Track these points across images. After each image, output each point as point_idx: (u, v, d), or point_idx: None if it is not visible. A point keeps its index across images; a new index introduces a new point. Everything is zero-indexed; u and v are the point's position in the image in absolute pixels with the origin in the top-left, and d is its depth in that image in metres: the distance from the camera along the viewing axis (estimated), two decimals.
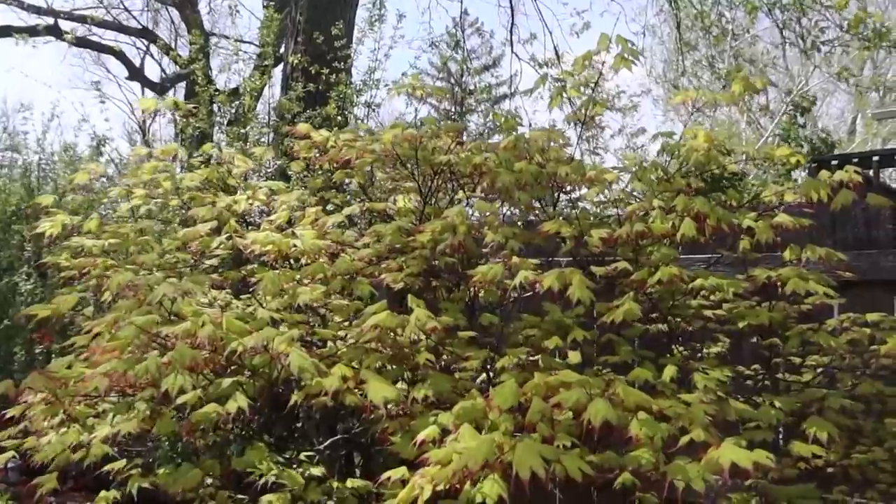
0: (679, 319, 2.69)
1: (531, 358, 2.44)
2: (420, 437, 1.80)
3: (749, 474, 1.64)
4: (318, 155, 3.66)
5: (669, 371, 2.48)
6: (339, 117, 7.73)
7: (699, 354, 2.98)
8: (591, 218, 2.93)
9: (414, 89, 3.64)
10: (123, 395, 2.22)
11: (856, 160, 9.57)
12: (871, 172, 8.63)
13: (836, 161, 8.99)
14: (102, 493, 2.65)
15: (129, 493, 2.51)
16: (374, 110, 9.20)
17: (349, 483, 2.71)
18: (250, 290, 3.87)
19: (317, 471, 2.65)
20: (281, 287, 2.58)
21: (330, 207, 3.61)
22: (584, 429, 1.67)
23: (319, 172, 4.10)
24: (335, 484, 2.68)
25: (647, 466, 1.72)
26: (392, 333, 2.21)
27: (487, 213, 2.85)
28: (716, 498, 2.45)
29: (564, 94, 3.17)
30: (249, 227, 3.69)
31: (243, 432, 2.54)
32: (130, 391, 2.12)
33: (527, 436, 1.64)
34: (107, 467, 2.78)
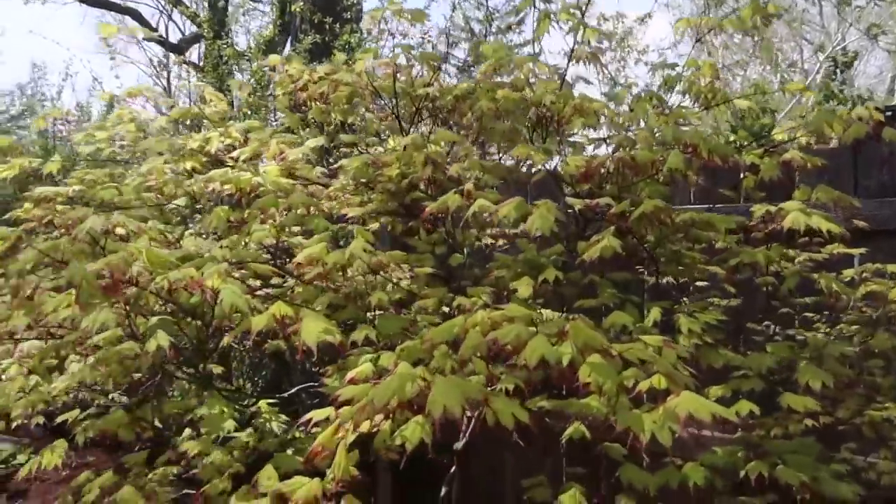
0: (675, 266, 2.44)
1: (499, 305, 2.22)
2: (350, 374, 1.61)
3: (722, 427, 1.42)
4: (293, 90, 3.43)
5: (654, 314, 2.25)
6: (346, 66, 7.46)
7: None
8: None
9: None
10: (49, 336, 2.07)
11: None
12: None
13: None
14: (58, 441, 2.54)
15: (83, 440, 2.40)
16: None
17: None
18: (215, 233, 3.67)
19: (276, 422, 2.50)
20: (230, 223, 2.38)
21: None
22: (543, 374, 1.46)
23: (303, 110, 3.88)
24: (297, 433, 2.53)
25: (596, 415, 1.51)
26: (340, 271, 2.00)
27: (460, 147, 2.60)
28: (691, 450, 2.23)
29: (553, 18, 2.88)
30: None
31: (181, 374, 2.39)
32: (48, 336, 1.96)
33: (459, 376, 1.43)
34: (60, 418, 2.68)
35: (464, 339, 1.49)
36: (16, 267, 1.77)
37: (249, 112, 6.32)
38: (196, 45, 15.96)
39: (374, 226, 2.89)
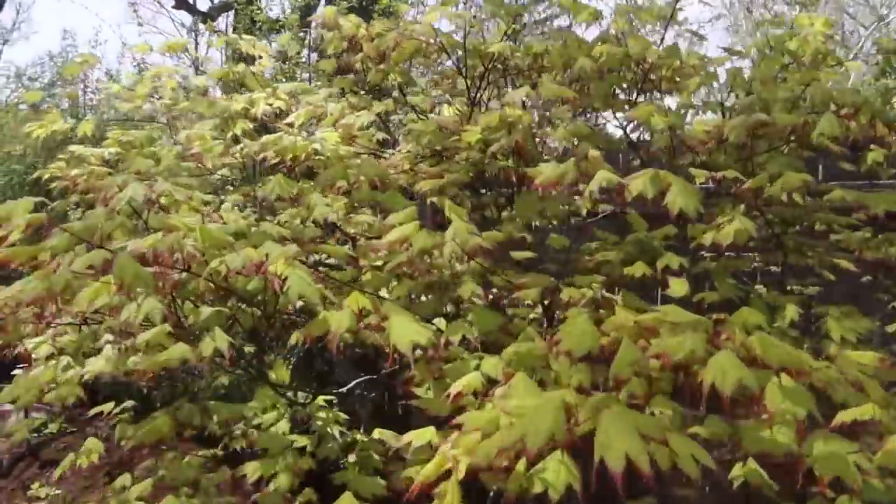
0: (802, 253, 2.06)
1: (605, 293, 1.86)
2: (455, 388, 1.28)
3: None
4: (347, 50, 3.07)
5: (789, 313, 1.89)
6: None
7: None
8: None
9: None
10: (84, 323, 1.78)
11: None
12: None
13: None
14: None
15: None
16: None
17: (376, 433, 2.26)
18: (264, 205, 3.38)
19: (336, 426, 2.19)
20: (293, 195, 2.05)
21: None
22: (697, 393, 1.12)
23: (353, 74, 3.53)
24: (357, 436, 2.23)
25: (781, 452, 1.16)
26: (427, 257, 1.67)
27: (548, 110, 2.24)
28: None
29: None
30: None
31: (238, 374, 2.08)
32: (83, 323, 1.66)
33: (611, 398, 1.09)
34: (93, 410, 2.41)
35: (609, 350, 1.15)
36: (46, 255, 1.46)
37: (288, 76, 5.98)
38: (226, 14, 15.62)
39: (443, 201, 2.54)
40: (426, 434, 1.30)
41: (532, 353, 1.37)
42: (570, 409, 1.04)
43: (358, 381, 2.42)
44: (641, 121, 1.79)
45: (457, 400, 1.29)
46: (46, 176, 3.01)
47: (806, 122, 1.84)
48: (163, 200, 1.94)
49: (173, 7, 17.05)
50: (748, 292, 2.02)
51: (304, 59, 6.60)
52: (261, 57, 3.30)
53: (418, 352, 1.41)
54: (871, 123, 1.78)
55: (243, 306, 1.76)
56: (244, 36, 3.36)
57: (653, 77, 2.37)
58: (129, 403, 2.33)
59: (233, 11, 12.07)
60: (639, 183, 1.49)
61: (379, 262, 1.99)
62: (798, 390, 1.09)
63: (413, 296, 1.82)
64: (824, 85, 1.95)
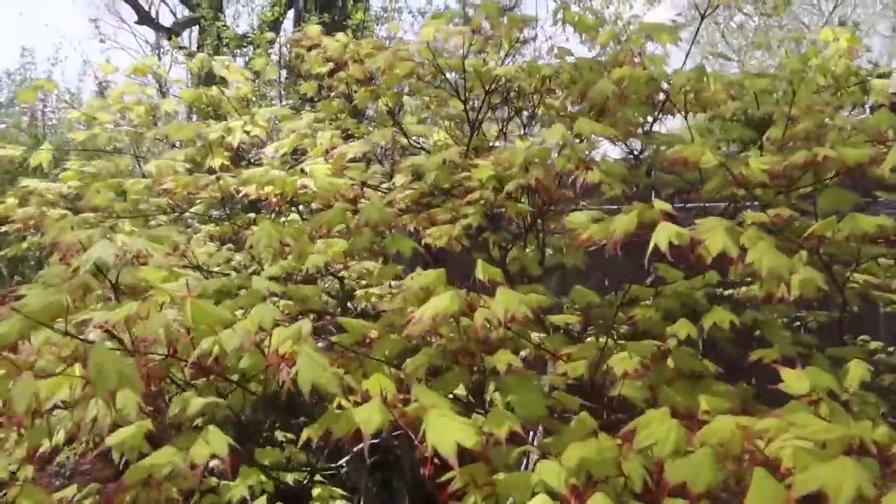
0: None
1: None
2: None
3: None
4: (332, 72, 2.81)
5: (856, 373, 1.67)
6: None
7: None
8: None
9: None
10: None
11: None
12: None
13: None
14: None
15: None
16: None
17: None
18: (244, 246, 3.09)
19: None
20: (281, 243, 1.78)
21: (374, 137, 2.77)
22: None
23: (335, 96, 3.26)
24: None
25: None
26: (453, 320, 1.41)
27: (576, 142, 1.99)
28: None
29: None
30: (248, 166, 2.89)
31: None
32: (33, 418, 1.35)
33: None
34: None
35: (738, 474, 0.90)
36: None
37: (258, 96, 5.67)
38: (190, 29, 15.17)
39: (442, 241, 2.28)
40: None
41: (604, 459, 1.12)
42: None
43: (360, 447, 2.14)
44: (693, 160, 1.56)
45: None
46: None
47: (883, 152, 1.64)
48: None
49: (136, 23, 16.55)
50: (809, 347, 1.80)
51: (275, 79, 6.30)
52: (237, 81, 3.01)
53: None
54: None
55: (233, 387, 1.47)
56: (217, 57, 3.06)
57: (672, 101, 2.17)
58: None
59: (198, 27, 11.68)
60: (717, 241, 1.25)
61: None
62: None
63: (430, 366, 1.55)
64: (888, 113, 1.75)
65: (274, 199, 2.22)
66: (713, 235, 1.26)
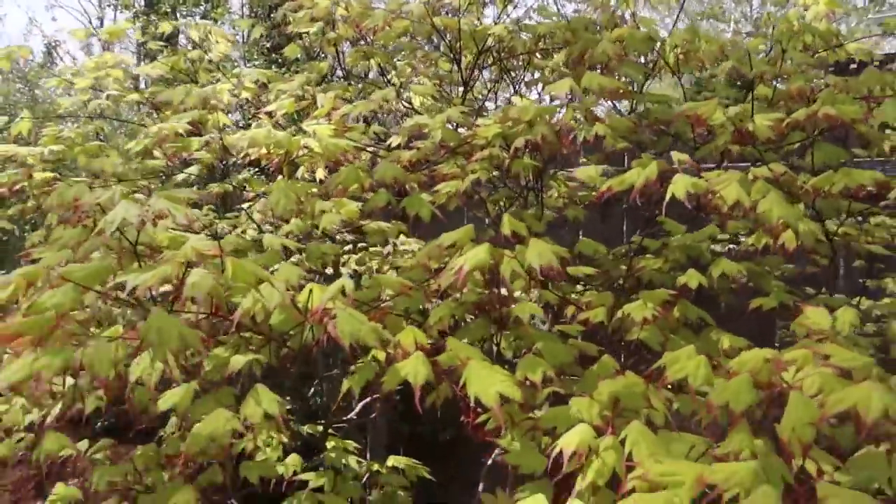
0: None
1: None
2: (567, 447, 1.08)
3: None
4: (322, 30, 2.77)
5: (847, 318, 1.78)
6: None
7: None
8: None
9: None
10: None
11: None
12: None
13: None
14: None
15: None
16: None
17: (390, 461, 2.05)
18: (235, 209, 3.08)
19: None
20: (297, 201, 1.79)
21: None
22: None
23: (323, 57, 3.22)
24: (375, 466, 2.01)
25: None
26: (480, 274, 1.46)
27: (574, 100, 2.03)
28: None
29: None
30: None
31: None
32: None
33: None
34: None
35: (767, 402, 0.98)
36: (44, 304, 1.14)
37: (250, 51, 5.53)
38: None
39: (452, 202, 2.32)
40: (536, 501, 1.10)
41: (632, 393, 1.19)
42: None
43: (366, 401, 2.20)
44: (705, 117, 1.62)
45: (570, 461, 1.09)
46: None
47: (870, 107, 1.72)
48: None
49: None
50: (799, 296, 1.90)
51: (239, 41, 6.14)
52: (218, 42, 2.95)
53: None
54: None
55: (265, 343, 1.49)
56: (198, 21, 2.99)
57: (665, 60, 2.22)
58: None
59: None
60: (732, 191, 1.32)
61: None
62: None
63: (457, 319, 1.60)
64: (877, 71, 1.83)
65: (275, 161, 2.22)
66: (728, 186, 1.33)
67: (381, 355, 1.34)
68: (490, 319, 1.57)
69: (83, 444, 1.90)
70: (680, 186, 1.37)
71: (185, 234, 1.88)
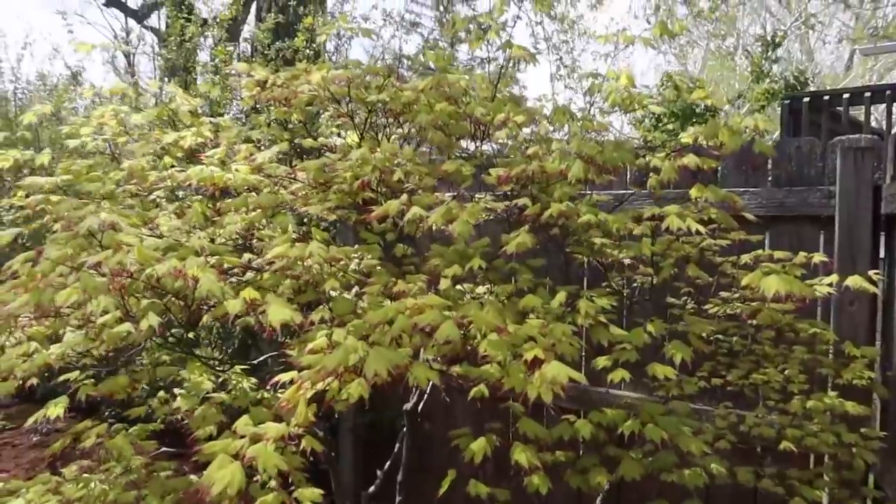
0: (593, 257, 2.94)
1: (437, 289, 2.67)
2: (309, 346, 2.06)
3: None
4: (259, 93, 3.82)
5: (559, 297, 2.74)
6: (308, 50, 7.78)
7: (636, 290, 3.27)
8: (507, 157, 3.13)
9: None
10: (57, 315, 2.48)
11: (826, 98, 9.59)
12: (842, 109, 8.80)
13: (808, 98, 9.07)
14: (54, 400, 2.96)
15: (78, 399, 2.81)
16: (345, 42, 9.22)
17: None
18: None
19: (247, 383, 2.96)
20: (207, 216, 2.80)
21: (272, 145, 3.79)
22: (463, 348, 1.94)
23: (268, 109, 4.26)
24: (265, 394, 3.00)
25: (493, 379, 2.00)
26: (300, 262, 2.44)
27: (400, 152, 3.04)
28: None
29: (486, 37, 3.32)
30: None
31: (168, 347, 2.83)
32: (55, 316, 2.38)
33: (388, 348, 1.91)
34: (63, 377, 3.08)
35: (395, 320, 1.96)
36: (36, 270, 2.20)
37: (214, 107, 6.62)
38: (156, 11, 15.83)
39: (332, 217, 3.33)
40: (290, 374, 2.07)
41: (362, 325, 2.16)
42: (362, 351, 1.85)
43: (267, 355, 3.20)
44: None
45: (312, 354, 2.07)
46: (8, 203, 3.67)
47: (565, 167, 2.70)
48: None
49: (104, 5, 17.16)
50: (538, 283, 2.87)
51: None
52: (184, 102, 4.00)
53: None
54: (603, 165, 2.65)
55: (173, 299, 2.50)
56: (168, 57, 4.05)
57: (483, 125, 3.22)
58: (89, 372, 3.01)
59: (164, 9, 12.45)
60: (434, 217, 2.31)
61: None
62: (496, 342, 1.92)
63: (293, 289, 2.59)
64: (579, 139, 2.79)
65: (211, 189, 3.25)
66: (434, 214, 2.31)
67: (229, 306, 2.31)
68: (315, 291, 2.56)
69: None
70: (411, 213, 2.36)
71: (147, 236, 2.91)
